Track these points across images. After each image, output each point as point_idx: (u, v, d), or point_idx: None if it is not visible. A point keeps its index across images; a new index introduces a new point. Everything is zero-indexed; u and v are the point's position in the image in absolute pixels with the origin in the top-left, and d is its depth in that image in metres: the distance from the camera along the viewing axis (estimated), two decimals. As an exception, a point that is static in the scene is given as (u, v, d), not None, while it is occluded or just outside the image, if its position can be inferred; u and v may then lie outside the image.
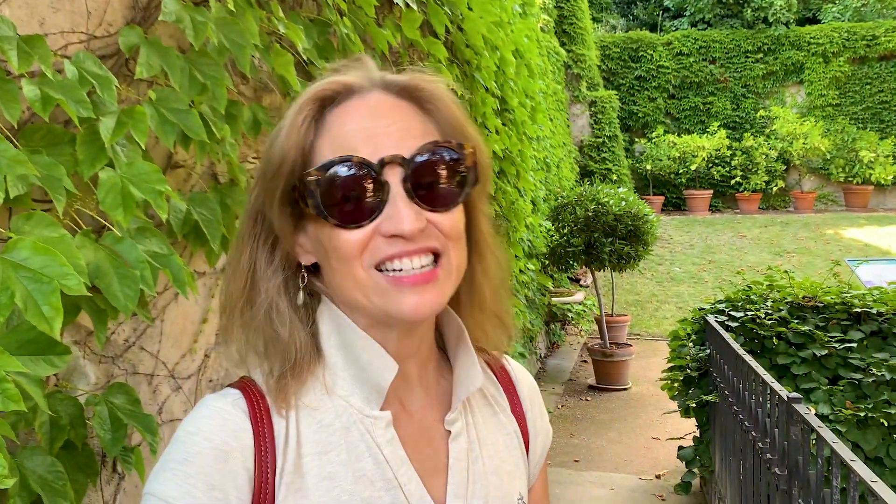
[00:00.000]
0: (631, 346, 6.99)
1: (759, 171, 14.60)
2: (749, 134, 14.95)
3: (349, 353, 0.81)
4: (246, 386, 0.81)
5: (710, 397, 3.63)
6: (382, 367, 0.79)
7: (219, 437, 0.75)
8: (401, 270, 0.75)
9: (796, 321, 3.79)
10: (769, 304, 3.98)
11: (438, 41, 3.05)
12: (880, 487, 1.47)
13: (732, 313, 3.94)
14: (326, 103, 0.80)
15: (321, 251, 0.80)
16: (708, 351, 3.85)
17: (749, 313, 3.89)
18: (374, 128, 0.77)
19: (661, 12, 17.91)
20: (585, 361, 7.74)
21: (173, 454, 0.75)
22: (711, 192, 15.08)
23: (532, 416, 0.96)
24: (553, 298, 7.25)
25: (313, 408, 0.80)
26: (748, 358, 2.71)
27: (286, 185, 0.78)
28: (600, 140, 13.91)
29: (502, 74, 4.69)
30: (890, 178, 14.00)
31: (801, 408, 1.91)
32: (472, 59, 3.78)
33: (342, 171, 0.75)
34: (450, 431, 0.85)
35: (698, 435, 3.93)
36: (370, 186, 0.75)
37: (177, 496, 0.72)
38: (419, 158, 0.75)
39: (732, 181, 14.96)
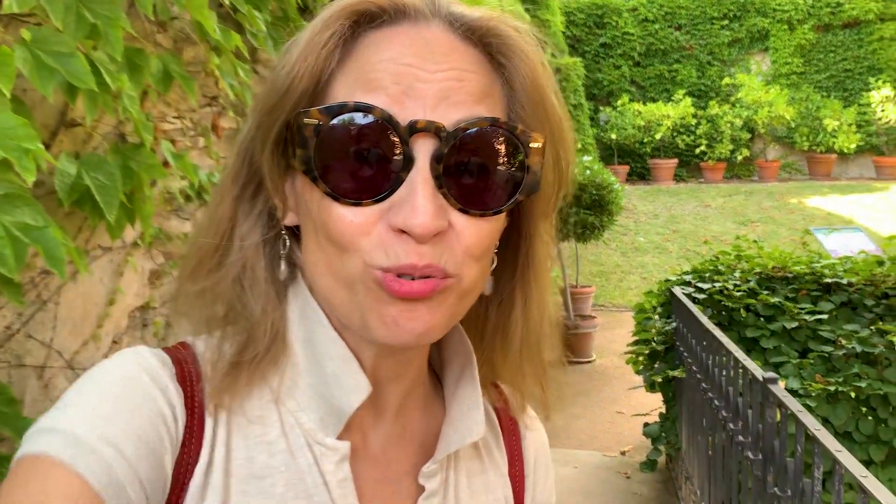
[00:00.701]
0: (595, 317, 6.88)
1: (724, 140, 14.56)
2: (714, 102, 14.88)
3: (312, 356, 0.59)
4: (179, 356, 0.59)
5: (676, 372, 3.50)
6: (351, 386, 0.58)
7: (145, 384, 0.54)
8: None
9: (766, 292, 3.66)
10: (737, 274, 3.85)
11: None
12: (871, 483, 1.31)
13: (700, 285, 3.80)
14: (363, 21, 0.58)
15: (307, 218, 0.58)
16: (674, 324, 3.71)
17: (717, 285, 3.75)
18: (416, 71, 0.54)
19: (626, -22, 17.65)
20: (550, 333, 7.61)
21: (85, 388, 0.53)
22: (676, 161, 15.02)
23: (533, 482, 0.74)
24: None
25: (253, 417, 0.58)
26: (718, 333, 2.56)
27: (285, 123, 0.57)
28: (569, 109, 13.72)
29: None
30: (853, 146, 14.06)
31: (778, 389, 1.75)
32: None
33: (354, 122, 0.53)
34: (423, 487, 0.63)
35: (664, 411, 3.80)
36: (388, 156, 0.53)
37: (87, 431, 0.50)
38: (466, 134, 0.54)
39: (697, 150, 14.91)
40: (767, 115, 14.00)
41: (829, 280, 3.67)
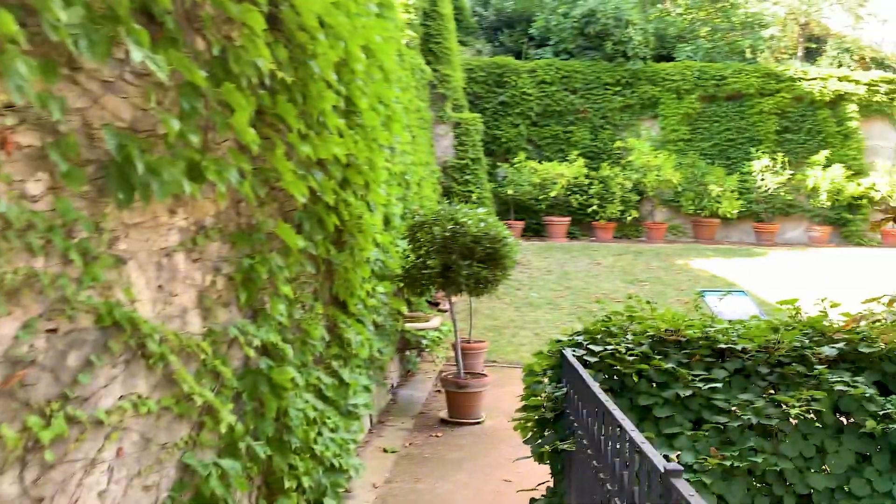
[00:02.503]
0: (486, 375, 6.59)
1: (615, 201, 14.91)
2: (606, 164, 15.28)
3: None
4: None
5: (565, 445, 3.22)
6: None
7: None
8: None
9: (658, 357, 3.46)
10: (630, 337, 3.65)
11: (255, 9, 2.47)
12: None
13: (591, 347, 3.57)
14: None
15: None
16: (565, 389, 3.45)
17: (609, 348, 3.53)
18: None
19: (526, 40, 18.11)
20: (440, 391, 7.28)
21: None
22: (570, 219, 15.25)
23: None
24: (406, 324, 6.73)
25: None
26: (612, 406, 2.29)
27: None
28: (464, 162, 13.70)
29: (349, 71, 4.16)
30: (735, 212, 14.68)
31: (682, 485, 1.47)
32: (306, 44, 3.21)
33: None
34: None
35: (552, 485, 3.51)
36: None
37: None
38: None
39: (589, 209, 15.19)
40: (656, 179, 14.46)
41: (723, 345, 3.52)
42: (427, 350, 7.11)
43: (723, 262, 12.87)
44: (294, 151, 3.29)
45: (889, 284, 11.57)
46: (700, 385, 3.33)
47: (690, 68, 15.83)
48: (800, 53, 18.35)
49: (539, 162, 15.36)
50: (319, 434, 3.85)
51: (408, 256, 6.56)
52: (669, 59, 17.09)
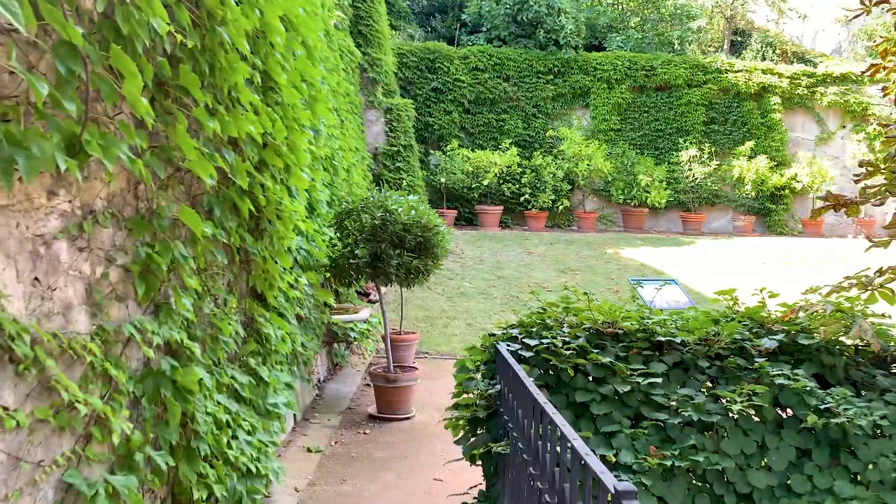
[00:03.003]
0: (417, 368, 6.36)
1: (547, 190, 14.87)
2: (538, 153, 15.22)
3: None
4: None
5: (500, 447, 3.01)
6: None
7: None
8: None
9: (596, 351, 3.29)
10: (566, 330, 3.47)
11: (147, -41, 2.14)
12: None
13: (527, 341, 3.37)
14: None
15: None
16: (499, 387, 3.25)
17: (544, 341, 3.34)
18: None
19: (458, 26, 17.88)
20: (369, 385, 7.01)
21: None
22: (502, 208, 15.14)
23: None
24: (333, 316, 6.43)
25: None
26: (557, 419, 2.08)
27: None
28: (395, 149, 13.40)
29: (267, 44, 3.84)
30: (663, 201, 14.85)
31: (636, 508, 1.26)
32: (215, 9, 2.88)
33: None
34: None
35: (485, 489, 3.30)
36: None
37: None
38: None
39: (521, 198, 15.12)
40: (587, 168, 14.48)
41: (661, 338, 3.37)
42: (355, 343, 6.83)
43: (652, 251, 12.98)
44: (201, 128, 2.97)
45: (814, 272, 11.88)
46: (639, 380, 3.18)
47: (621, 58, 15.90)
48: (726, 46, 18.70)
49: (472, 150, 15.19)
50: (234, 438, 3.54)
51: (335, 245, 6.25)
52: (601, 48, 17.16)
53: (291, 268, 5.12)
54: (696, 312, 3.72)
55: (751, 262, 12.53)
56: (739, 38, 19.54)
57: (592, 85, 15.88)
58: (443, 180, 14.68)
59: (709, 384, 3.37)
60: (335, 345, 7.40)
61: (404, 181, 13.08)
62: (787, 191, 15.67)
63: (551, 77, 15.93)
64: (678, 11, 17.22)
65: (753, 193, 15.28)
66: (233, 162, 3.26)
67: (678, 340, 3.35)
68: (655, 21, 17.35)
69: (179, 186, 3.17)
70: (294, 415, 5.72)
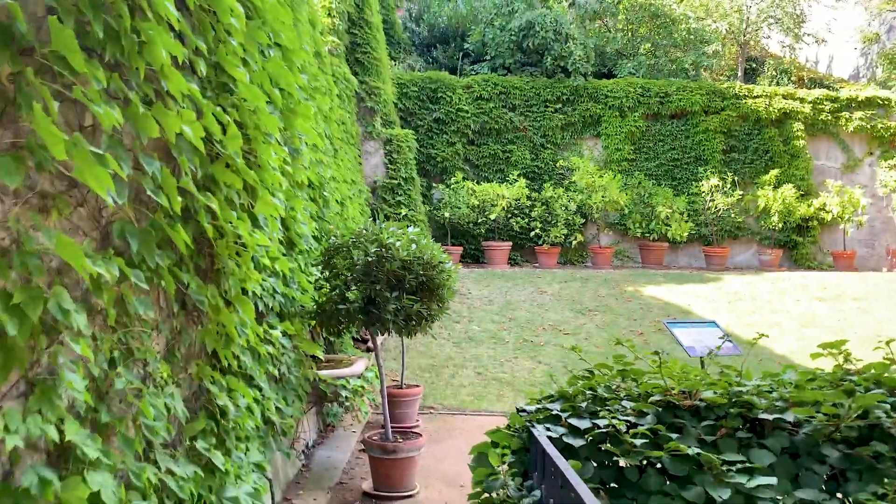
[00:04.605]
0: (420, 435, 5.33)
1: (559, 224, 13.94)
2: (549, 185, 14.31)
3: None
4: None
5: None
6: None
7: None
8: None
9: (675, 437, 2.31)
10: (627, 404, 2.48)
11: None
12: None
13: (574, 422, 2.38)
14: None
15: None
16: (539, 494, 2.24)
17: (601, 423, 2.36)
18: None
19: (461, 56, 17.16)
20: (364, 449, 5.98)
21: None
22: (511, 244, 14.19)
23: None
24: (322, 371, 5.42)
25: None
26: None
27: None
28: (395, 181, 12.51)
29: (218, 25, 2.93)
30: (685, 235, 13.89)
31: None
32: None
33: None
34: None
35: None
36: None
37: None
38: None
39: (531, 233, 14.18)
40: (602, 200, 13.55)
41: (763, 414, 2.39)
42: (347, 405, 5.81)
43: (675, 288, 11.98)
44: (87, 117, 2.03)
45: (854, 309, 10.85)
46: (741, 479, 2.18)
47: (633, 85, 15.09)
48: (739, 74, 17.93)
49: (477, 183, 14.30)
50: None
51: (321, 288, 5.29)
52: (611, 76, 16.37)
53: (262, 317, 4.15)
54: (793, 374, 2.74)
55: (786, 298, 11.50)
56: (753, 65, 18.80)
57: (604, 113, 15.03)
58: (447, 215, 13.76)
59: (833, 482, 2.37)
60: (325, 404, 6.39)
61: (406, 218, 12.17)
62: (814, 221, 14.70)
63: (560, 105, 15.11)
64: (692, 37, 16.46)
65: (780, 225, 14.29)
66: (154, 174, 2.31)
67: (789, 419, 2.36)
68: (667, 46, 16.59)
69: (79, 209, 2.22)
70: (271, 495, 4.68)
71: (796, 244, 14.81)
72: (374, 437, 5.14)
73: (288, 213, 4.48)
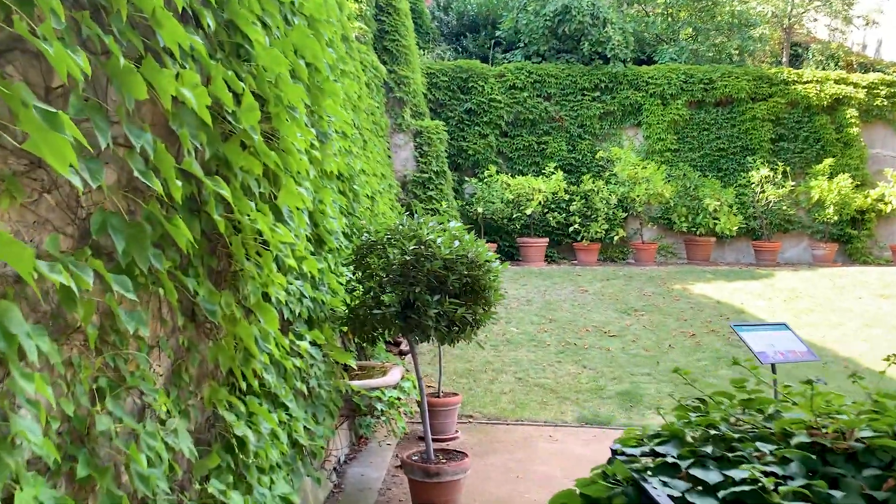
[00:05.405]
0: (466, 455, 4.75)
1: (599, 219, 13.28)
2: (588, 177, 13.63)
3: None
4: None
5: None
6: None
7: None
8: None
9: (837, 496, 1.71)
10: (765, 448, 1.89)
11: None
12: None
13: (698, 474, 1.79)
14: None
15: None
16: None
17: (735, 474, 1.76)
18: None
19: (492, 44, 16.53)
20: (401, 467, 5.43)
21: None
22: (547, 240, 13.55)
23: None
24: (354, 381, 4.88)
25: None
26: None
27: None
28: (426, 175, 11.95)
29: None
30: (735, 229, 13.14)
31: None
32: None
33: None
34: None
35: None
36: None
37: None
38: None
39: (570, 229, 13.54)
40: (645, 193, 12.84)
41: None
42: (382, 419, 5.25)
43: (726, 285, 11.27)
44: (54, 77, 1.49)
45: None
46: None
47: (675, 71, 14.34)
48: (785, 59, 17.08)
49: (511, 176, 13.68)
50: None
51: (353, 290, 4.75)
52: (651, 62, 15.62)
53: (288, 325, 3.61)
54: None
55: (846, 296, 10.74)
56: (797, 51, 17.92)
57: (645, 101, 14.31)
58: (480, 210, 13.16)
59: None
60: (357, 418, 5.84)
61: (438, 213, 11.61)
62: (871, 214, 13.86)
63: (598, 94, 14.41)
64: (735, 20, 15.65)
65: (836, 217, 13.46)
66: (144, 148, 1.76)
67: None
68: (710, 30, 15.80)
69: (45, 196, 1.69)
70: (301, 524, 4.15)
71: (851, 238, 13.98)
72: (414, 457, 4.58)
73: (316, 205, 3.94)
